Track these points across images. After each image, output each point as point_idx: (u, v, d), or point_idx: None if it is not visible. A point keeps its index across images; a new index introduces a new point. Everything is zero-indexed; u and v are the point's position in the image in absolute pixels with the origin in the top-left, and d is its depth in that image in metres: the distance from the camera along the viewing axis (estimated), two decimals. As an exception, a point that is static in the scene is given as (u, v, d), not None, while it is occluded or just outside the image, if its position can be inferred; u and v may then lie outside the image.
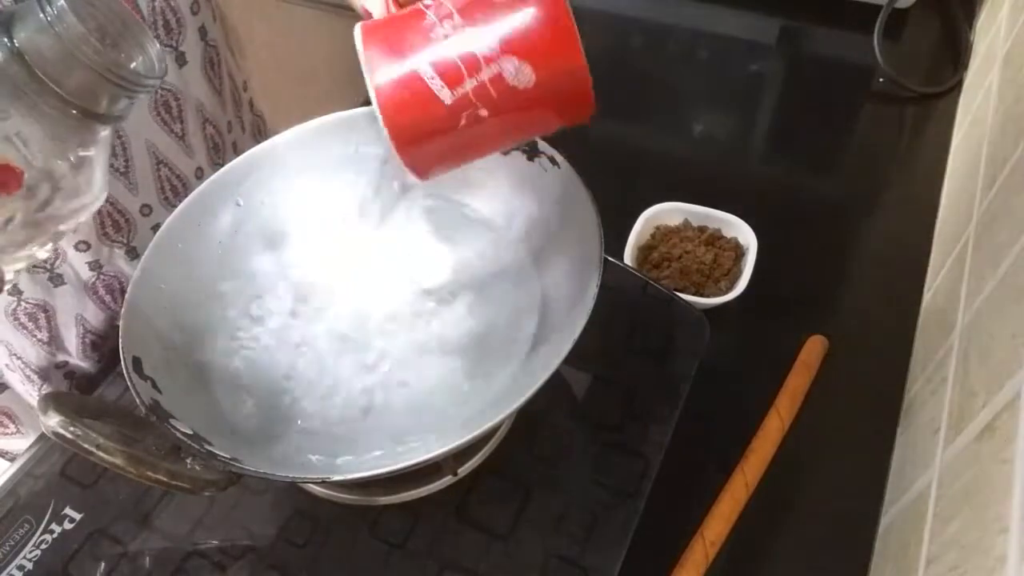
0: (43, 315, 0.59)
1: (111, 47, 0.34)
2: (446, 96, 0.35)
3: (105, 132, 0.36)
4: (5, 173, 0.29)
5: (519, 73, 0.35)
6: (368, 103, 0.37)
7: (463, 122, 0.36)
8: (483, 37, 0.35)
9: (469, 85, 0.35)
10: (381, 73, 0.35)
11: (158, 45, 0.37)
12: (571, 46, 0.36)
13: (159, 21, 0.54)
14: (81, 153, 0.34)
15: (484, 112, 0.36)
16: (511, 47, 0.35)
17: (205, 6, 0.60)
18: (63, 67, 0.32)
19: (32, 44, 0.31)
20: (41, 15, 0.31)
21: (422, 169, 0.38)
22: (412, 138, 0.36)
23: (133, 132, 0.56)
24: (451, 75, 0.35)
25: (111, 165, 0.55)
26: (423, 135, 0.36)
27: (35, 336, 0.60)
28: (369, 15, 0.40)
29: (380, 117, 0.35)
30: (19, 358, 0.60)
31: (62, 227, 0.35)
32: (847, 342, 0.61)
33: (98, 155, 0.36)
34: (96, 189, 0.36)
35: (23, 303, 0.58)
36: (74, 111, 0.33)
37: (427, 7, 0.36)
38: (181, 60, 0.57)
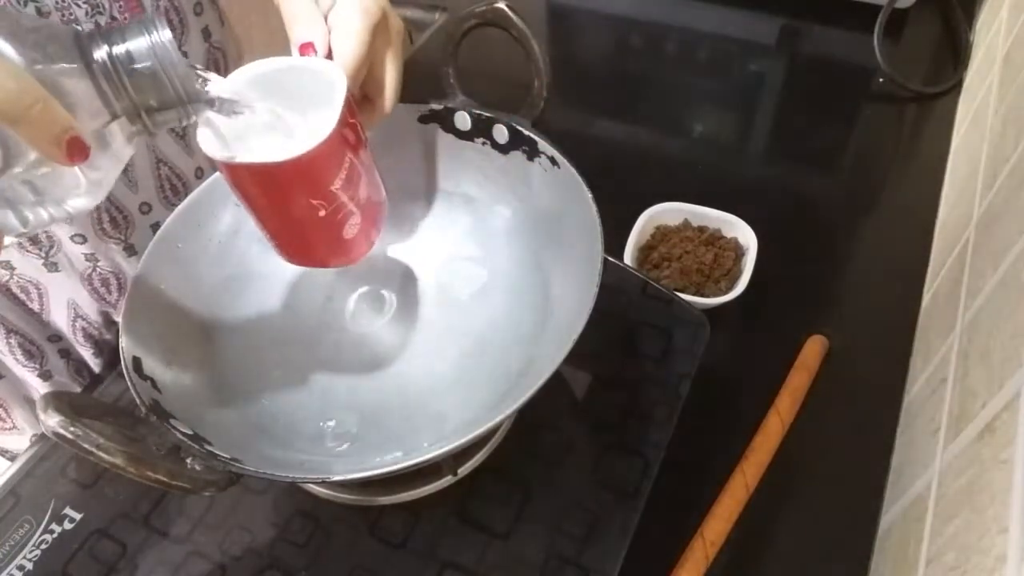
0: (35, 290, 0.59)
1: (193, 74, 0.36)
2: (337, 185, 0.41)
3: (128, 147, 0.37)
4: (76, 145, 0.30)
5: (353, 227, 0.44)
6: None
7: (314, 203, 0.41)
8: (367, 191, 0.44)
9: (343, 197, 0.42)
10: (339, 130, 0.39)
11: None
12: (366, 251, 0.47)
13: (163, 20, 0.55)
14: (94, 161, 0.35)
15: (322, 213, 0.41)
16: (366, 217, 0.44)
17: (210, 8, 0.60)
18: (152, 86, 0.33)
19: (128, 58, 0.32)
20: (145, 36, 0.32)
21: (251, 184, 0.41)
22: (296, 177, 0.40)
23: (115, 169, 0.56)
24: (348, 181, 0.41)
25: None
26: (301, 183, 0.40)
27: (27, 307, 0.60)
28: (307, 51, 0.41)
29: (308, 148, 0.38)
30: (16, 333, 0.60)
31: (43, 219, 0.36)
32: (847, 342, 0.61)
33: (108, 170, 0.36)
34: (85, 200, 0.36)
35: (16, 277, 0.58)
36: (142, 112, 0.34)
37: (362, 129, 0.43)
38: None
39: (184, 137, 0.60)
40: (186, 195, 0.51)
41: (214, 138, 0.39)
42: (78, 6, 0.49)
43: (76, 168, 0.33)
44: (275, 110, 0.40)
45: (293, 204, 0.41)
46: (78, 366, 0.65)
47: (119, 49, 0.32)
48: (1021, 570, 0.30)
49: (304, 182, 0.40)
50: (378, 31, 0.42)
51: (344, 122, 0.39)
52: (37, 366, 0.62)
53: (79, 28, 0.35)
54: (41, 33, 0.31)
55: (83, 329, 0.64)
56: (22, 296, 0.59)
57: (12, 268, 0.58)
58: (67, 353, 0.64)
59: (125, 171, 0.57)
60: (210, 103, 0.37)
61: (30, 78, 0.29)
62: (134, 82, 0.33)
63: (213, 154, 0.39)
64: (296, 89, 0.41)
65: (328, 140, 0.39)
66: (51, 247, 0.57)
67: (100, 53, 0.32)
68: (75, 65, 0.32)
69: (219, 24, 0.62)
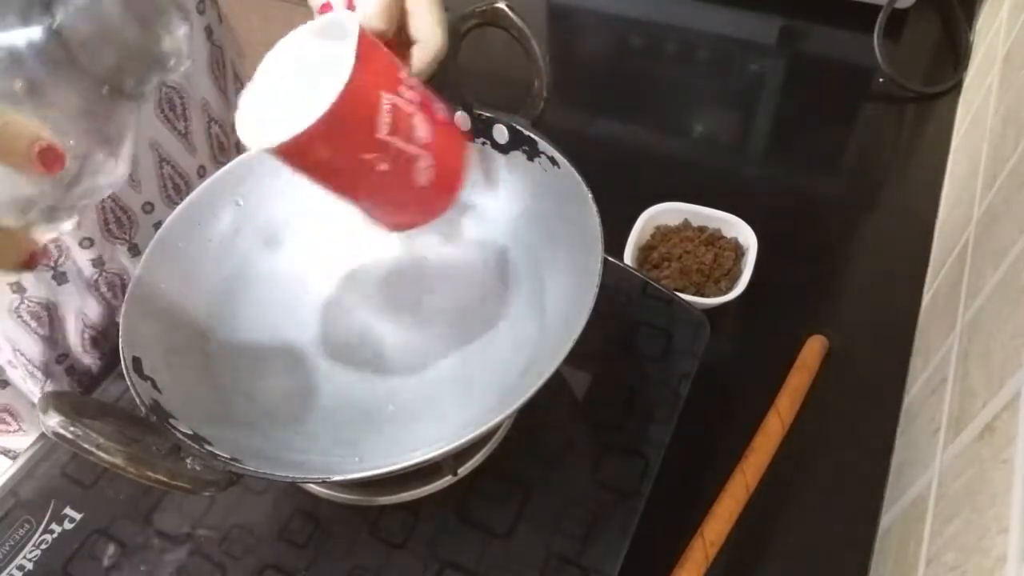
0: (46, 313, 0.59)
1: (142, 27, 0.35)
2: (383, 131, 0.38)
3: (132, 110, 0.36)
4: (50, 154, 0.30)
5: (425, 171, 0.41)
6: None
7: (366, 156, 0.38)
8: (427, 128, 0.40)
9: (398, 143, 0.39)
10: (361, 71, 0.36)
11: (186, 26, 0.37)
12: (451, 200, 0.44)
13: None
14: (110, 130, 0.35)
15: (383, 167, 0.39)
16: (436, 154, 0.41)
17: (211, 7, 0.60)
18: (99, 46, 0.32)
19: (71, 24, 0.31)
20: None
21: (291, 151, 0.39)
22: (334, 130, 0.37)
23: (136, 129, 0.56)
24: (395, 125, 0.38)
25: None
26: (343, 135, 0.38)
27: (37, 333, 0.60)
28: (327, 9, 0.40)
29: (335, 97, 0.36)
30: (22, 354, 0.60)
31: (88, 202, 0.36)
32: (847, 342, 0.61)
33: (125, 131, 0.36)
34: (122, 167, 0.36)
35: (26, 301, 0.58)
36: (105, 89, 0.33)
37: (401, 68, 0.40)
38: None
39: (187, 136, 0.60)
40: (188, 194, 0.51)
41: (252, 126, 0.38)
42: None
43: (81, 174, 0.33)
44: (308, 79, 0.38)
45: (347, 166, 0.39)
46: (80, 377, 0.65)
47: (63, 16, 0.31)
48: (1021, 570, 0.30)
49: (341, 140, 0.38)
50: None
51: (367, 66, 0.37)
52: (40, 385, 0.62)
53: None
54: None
55: (91, 338, 0.64)
56: (33, 323, 0.59)
57: (23, 290, 0.57)
58: (73, 370, 0.65)
59: None
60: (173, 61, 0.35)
61: None
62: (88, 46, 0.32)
63: (251, 145, 0.38)
64: (324, 50, 0.39)
65: (346, 91, 0.36)
66: (59, 255, 0.57)
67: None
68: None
69: (219, 22, 0.62)
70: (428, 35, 0.42)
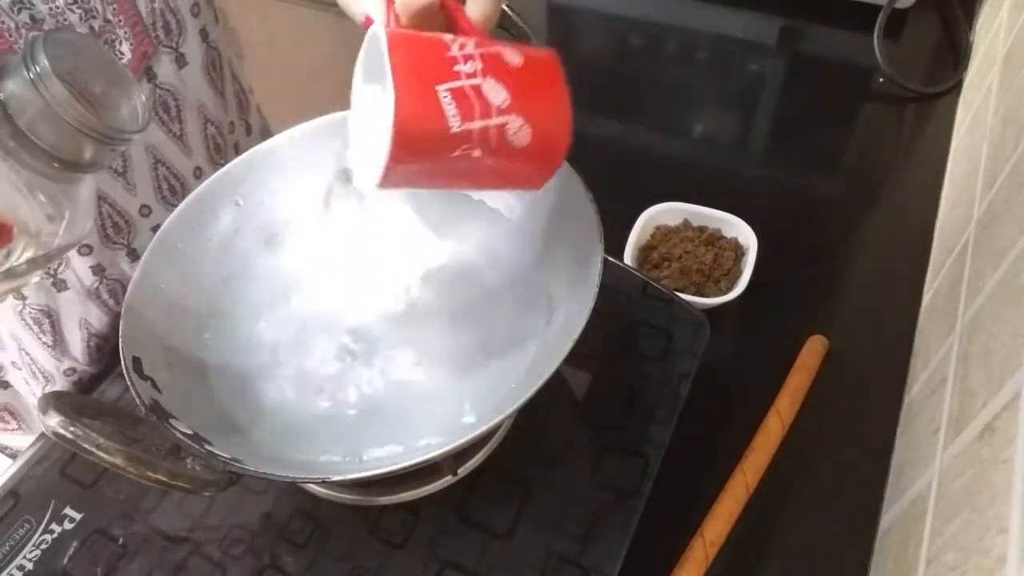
0: (47, 320, 0.59)
1: (96, 101, 0.35)
2: (455, 124, 0.36)
3: (88, 178, 0.36)
4: None
5: (519, 132, 0.38)
6: None
7: (456, 153, 0.37)
8: (500, 89, 0.37)
9: (477, 124, 0.37)
10: (405, 81, 0.35)
11: (143, 96, 0.37)
12: (567, 128, 0.40)
13: (159, 22, 0.54)
14: (63, 200, 0.35)
15: (476, 152, 0.37)
16: (522, 108, 0.38)
17: (206, 9, 0.60)
18: (47, 124, 0.32)
19: (16, 99, 0.31)
20: (26, 73, 0.31)
21: (392, 180, 0.38)
22: (411, 149, 0.36)
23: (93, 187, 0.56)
24: (465, 109, 0.36)
25: (109, 166, 0.55)
26: (421, 149, 0.37)
27: (40, 339, 0.60)
28: (370, 22, 0.40)
29: (392, 122, 0.35)
30: (28, 354, 0.60)
31: (47, 264, 0.36)
32: (847, 342, 0.61)
33: (80, 197, 0.36)
34: (77, 231, 0.36)
35: (28, 307, 0.58)
36: (56, 164, 0.33)
37: (450, 41, 0.38)
38: (181, 61, 0.57)
39: (182, 138, 0.60)
40: (185, 195, 0.51)
41: (360, 169, 0.38)
42: (72, 11, 0.49)
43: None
44: (375, 103, 0.37)
45: (444, 168, 0.38)
46: (84, 387, 0.65)
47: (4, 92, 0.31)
48: (1021, 570, 0.30)
49: (421, 153, 0.36)
50: None
51: (410, 70, 0.35)
52: (42, 388, 0.62)
53: None
54: None
55: (97, 347, 0.64)
56: (35, 328, 0.59)
57: (24, 297, 0.57)
58: (79, 381, 0.64)
59: (123, 174, 0.57)
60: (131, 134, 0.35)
61: None
62: (33, 127, 0.32)
63: (365, 190, 0.38)
64: (375, 74, 0.38)
65: (399, 103, 0.35)
66: (59, 264, 0.57)
67: None
68: None
69: (215, 23, 0.62)
70: (478, 6, 0.40)
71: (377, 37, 0.36)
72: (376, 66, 0.37)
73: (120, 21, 0.52)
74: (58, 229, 0.35)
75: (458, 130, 0.36)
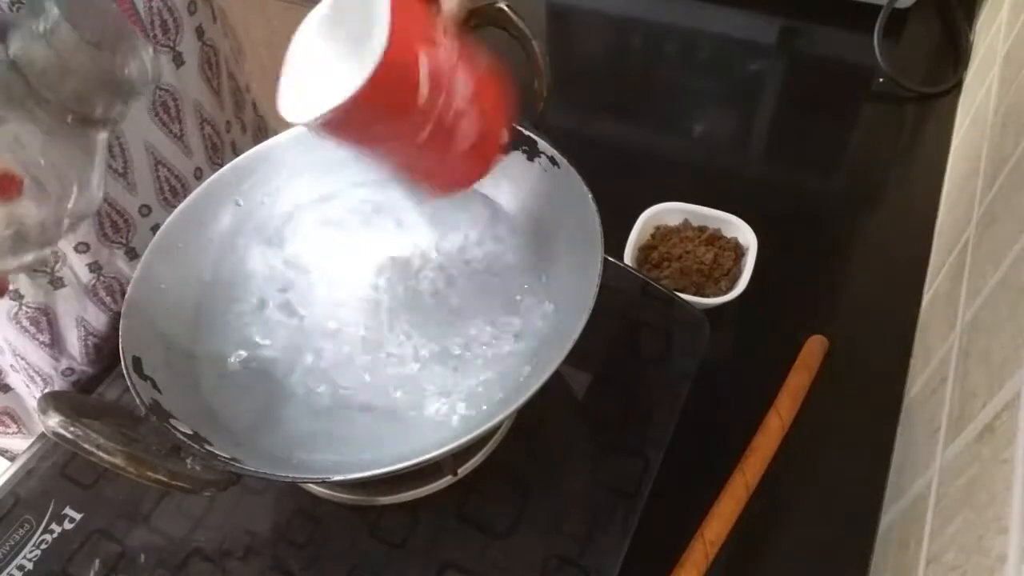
0: (44, 319, 0.59)
1: (105, 53, 0.34)
2: (423, 94, 0.36)
3: (102, 136, 0.36)
4: (4, 180, 0.30)
5: (468, 130, 0.39)
6: None
7: (411, 122, 0.37)
8: (467, 83, 0.38)
9: (439, 104, 0.37)
10: (397, 35, 0.35)
11: (151, 50, 0.37)
12: (502, 149, 0.42)
13: (156, 21, 0.54)
14: (80, 156, 0.35)
15: (424, 135, 0.38)
16: (478, 110, 0.39)
17: (203, 6, 0.59)
18: (57, 75, 0.32)
19: (26, 54, 0.31)
20: (34, 26, 0.31)
21: (332, 128, 0.38)
22: (376, 103, 0.36)
23: (132, 133, 0.56)
24: (436, 85, 0.37)
25: (110, 166, 0.55)
26: (385, 104, 0.36)
27: (37, 339, 0.60)
28: None
29: (369, 71, 0.35)
30: (23, 359, 0.60)
31: (58, 232, 0.35)
32: (847, 342, 0.61)
33: (95, 158, 0.36)
34: (93, 193, 0.36)
35: (24, 307, 0.58)
36: (70, 117, 0.33)
37: (436, 18, 0.38)
38: (179, 60, 0.57)
39: (182, 138, 0.60)
40: (185, 196, 0.51)
41: (292, 102, 0.37)
42: None
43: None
44: (344, 50, 0.37)
45: (388, 137, 0.38)
46: (84, 387, 0.65)
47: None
48: (1021, 570, 0.30)
49: (386, 105, 0.36)
50: None
51: (404, 24, 0.35)
52: (41, 391, 0.62)
53: None
54: None
55: (95, 346, 0.63)
56: (32, 329, 0.59)
57: (20, 296, 0.57)
58: (77, 382, 0.64)
59: (124, 174, 0.57)
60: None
61: None
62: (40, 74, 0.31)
63: (292, 120, 0.37)
64: (351, 19, 0.38)
65: (387, 52, 0.35)
66: (56, 261, 0.57)
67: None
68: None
69: (212, 21, 0.61)
70: None
71: (383, 6, 0.36)
72: (352, 18, 0.37)
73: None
74: (70, 193, 0.35)
75: (421, 103, 0.36)
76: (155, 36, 0.54)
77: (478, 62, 0.40)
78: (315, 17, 0.39)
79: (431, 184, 0.42)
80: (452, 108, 0.38)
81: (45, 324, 0.59)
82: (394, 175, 0.41)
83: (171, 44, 0.56)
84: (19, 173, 0.30)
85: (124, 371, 0.42)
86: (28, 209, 0.33)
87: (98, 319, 0.62)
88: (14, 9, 0.46)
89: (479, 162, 0.41)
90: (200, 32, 0.59)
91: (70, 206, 0.35)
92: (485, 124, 0.40)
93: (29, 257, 0.35)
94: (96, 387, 0.60)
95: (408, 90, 0.36)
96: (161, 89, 0.57)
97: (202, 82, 0.61)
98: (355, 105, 0.35)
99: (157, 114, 0.57)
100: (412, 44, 0.36)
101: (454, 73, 0.38)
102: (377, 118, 0.37)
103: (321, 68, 0.37)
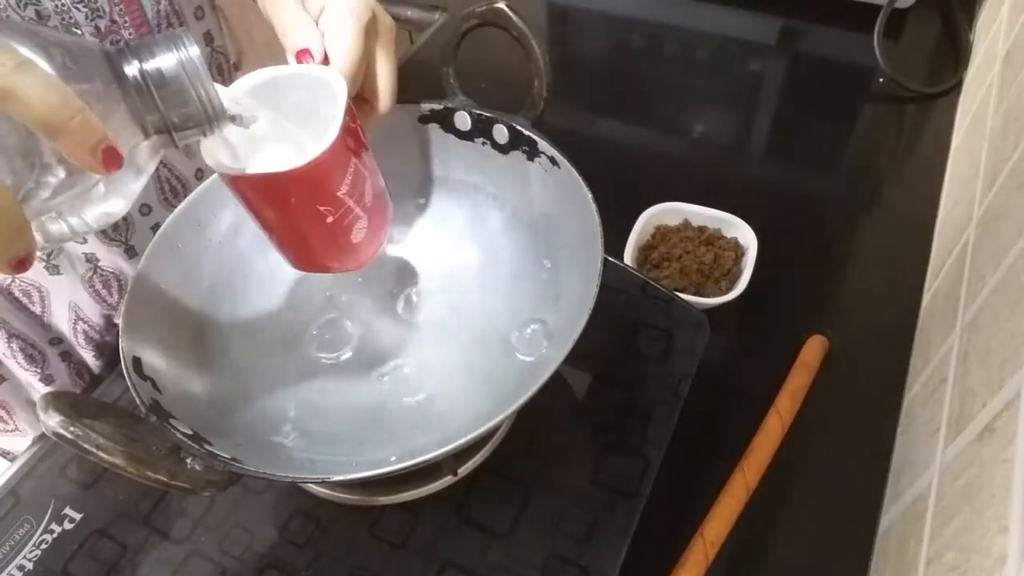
0: (36, 293, 0.59)
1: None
2: (343, 189, 0.41)
3: (156, 157, 0.37)
4: (111, 154, 0.31)
5: (361, 231, 0.44)
6: None
7: (321, 209, 0.41)
8: (372, 191, 0.44)
9: (350, 201, 0.42)
10: (343, 136, 0.39)
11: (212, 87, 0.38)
12: (376, 250, 0.47)
13: (163, 24, 0.55)
14: (141, 157, 0.35)
15: (329, 219, 0.41)
16: (373, 217, 0.44)
17: (211, 13, 0.60)
18: (178, 97, 0.34)
19: (158, 72, 0.33)
20: (174, 52, 0.33)
21: (257, 194, 0.41)
22: (304, 185, 0.39)
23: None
24: (354, 186, 0.41)
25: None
26: (309, 190, 0.40)
27: (29, 310, 0.60)
28: (305, 57, 0.41)
29: (310, 159, 0.38)
30: (17, 337, 0.60)
31: (106, 220, 0.36)
32: (847, 342, 0.61)
33: (151, 164, 0.37)
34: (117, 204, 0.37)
35: (17, 280, 0.58)
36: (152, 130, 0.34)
37: (363, 131, 0.43)
38: None
39: None
40: (186, 196, 0.51)
41: (218, 150, 0.39)
42: (78, 10, 0.49)
43: (100, 183, 0.34)
44: (279, 120, 0.40)
45: (301, 212, 0.41)
46: (79, 369, 0.65)
47: (150, 66, 0.33)
48: (1021, 570, 0.30)
49: (311, 189, 0.40)
50: (369, 31, 0.42)
51: (346, 127, 0.39)
52: (39, 370, 0.62)
53: (106, 45, 0.36)
54: (68, 48, 0.31)
55: (84, 332, 0.64)
56: (24, 299, 0.59)
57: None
58: (68, 356, 0.64)
59: None
60: (232, 119, 0.37)
61: (68, 90, 0.29)
62: (164, 98, 0.33)
63: (219, 168, 0.39)
64: (296, 97, 0.41)
65: (333, 146, 0.38)
66: (51, 250, 0.57)
67: (131, 69, 0.32)
68: (108, 82, 0.32)
69: (219, 28, 0.62)
70: (386, 91, 0.45)
71: (329, 82, 0.40)
72: (295, 98, 0.40)
73: (126, 22, 0.52)
74: (137, 186, 0.36)
75: (340, 195, 0.41)
76: None
77: (380, 181, 0.45)
78: (249, 82, 0.41)
79: (303, 257, 0.46)
80: (355, 209, 0.42)
81: (37, 298, 0.59)
82: (271, 238, 0.44)
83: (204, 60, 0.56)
84: (121, 152, 0.31)
85: (124, 371, 0.42)
86: (106, 183, 0.34)
87: (91, 308, 0.62)
88: (21, 6, 0.46)
89: (351, 258, 0.45)
90: (209, 38, 0.59)
91: (132, 189, 0.36)
92: (371, 232, 0.44)
93: (74, 226, 0.35)
94: (96, 387, 0.60)
95: (334, 182, 0.40)
96: None
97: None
98: (289, 178, 0.38)
99: None
100: (349, 146, 0.40)
101: (365, 182, 0.43)
102: (305, 190, 0.40)
103: (253, 132, 0.39)
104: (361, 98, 0.45)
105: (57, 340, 0.63)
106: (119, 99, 0.33)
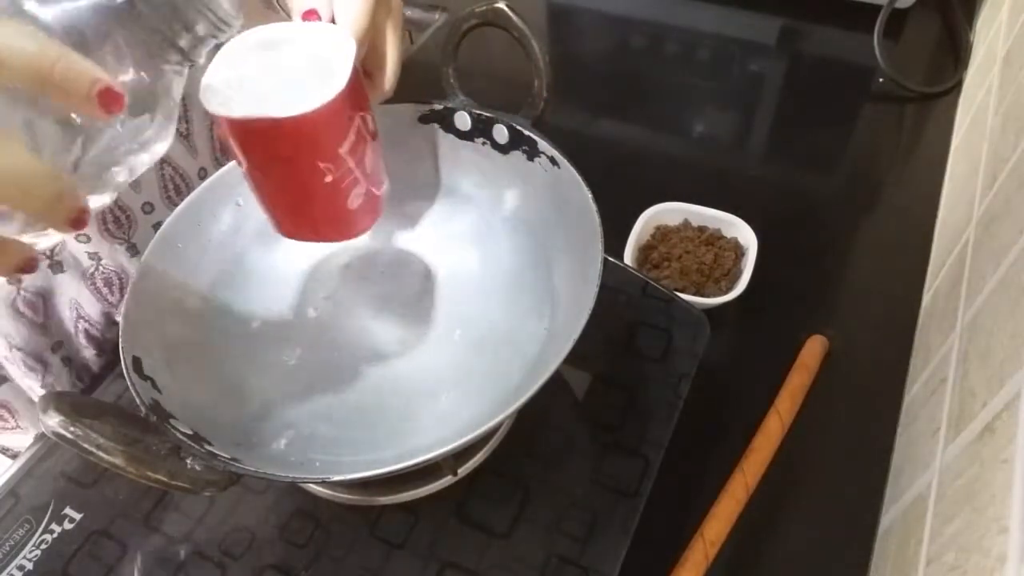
0: (40, 300, 0.59)
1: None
2: (345, 147, 0.40)
3: (179, 77, 0.36)
4: (108, 95, 0.29)
5: (359, 196, 0.43)
6: None
7: (321, 166, 0.40)
8: (373, 157, 0.43)
9: (349, 163, 0.40)
10: (350, 88, 0.38)
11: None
12: (372, 222, 0.45)
13: None
14: (159, 87, 0.34)
15: (328, 178, 0.40)
16: (370, 185, 0.43)
17: None
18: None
19: None
20: None
21: (257, 144, 0.39)
22: (305, 135, 0.38)
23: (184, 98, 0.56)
24: (355, 145, 0.40)
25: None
26: (311, 142, 0.39)
27: (32, 320, 0.60)
28: (312, 16, 0.41)
29: (321, 103, 0.37)
30: (19, 349, 0.60)
31: (132, 164, 0.35)
32: (847, 342, 0.61)
33: (174, 94, 0.36)
34: (166, 135, 0.36)
35: (23, 292, 0.58)
36: (159, 39, 0.33)
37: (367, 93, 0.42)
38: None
39: (188, 137, 0.60)
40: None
41: (217, 94, 0.38)
42: None
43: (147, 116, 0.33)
44: (283, 70, 0.39)
45: (299, 166, 0.39)
46: (80, 372, 0.65)
47: None
48: (1021, 570, 0.30)
49: (312, 141, 0.38)
50: (380, 3, 0.41)
51: (352, 83, 0.38)
52: (40, 378, 0.62)
53: None
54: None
55: (85, 331, 0.64)
56: (29, 313, 0.59)
57: (20, 281, 0.57)
58: (69, 360, 0.64)
59: None
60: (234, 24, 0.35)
61: (45, 36, 0.27)
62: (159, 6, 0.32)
63: (215, 110, 0.38)
64: (303, 52, 0.40)
65: (338, 97, 0.37)
66: (56, 246, 0.57)
67: None
68: (102, 16, 0.31)
69: None
70: (391, 68, 0.44)
71: (343, 45, 0.39)
72: (307, 52, 0.39)
73: None
74: (151, 126, 0.35)
75: (341, 154, 0.39)
76: None
77: (380, 150, 0.44)
78: (256, 35, 0.40)
79: (295, 220, 0.44)
80: (355, 171, 0.41)
81: (41, 306, 0.59)
82: (263, 198, 0.43)
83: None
84: (121, 90, 0.30)
85: (124, 371, 0.42)
86: (123, 124, 0.33)
87: (92, 306, 0.62)
88: None
89: (345, 225, 0.44)
90: None
91: (148, 134, 0.35)
92: (368, 200, 0.43)
93: (106, 198, 0.35)
94: (96, 387, 0.60)
95: (336, 136, 0.39)
96: None
97: None
98: (291, 125, 0.37)
99: None
100: (355, 100, 0.39)
101: (367, 145, 0.41)
102: (308, 140, 0.39)
103: (257, 81, 0.38)
104: (366, 73, 0.44)
105: (59, 345, 0.63)
106: (117, 28, 0.31)
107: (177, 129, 0.59)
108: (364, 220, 0.44)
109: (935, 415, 0.48)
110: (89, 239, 0.58)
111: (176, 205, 0.51)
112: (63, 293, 0.60)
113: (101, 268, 0.60)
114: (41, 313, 0.60)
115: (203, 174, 0.63)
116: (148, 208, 0.60)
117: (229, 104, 0.38)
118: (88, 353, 0.65)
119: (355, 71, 0.39)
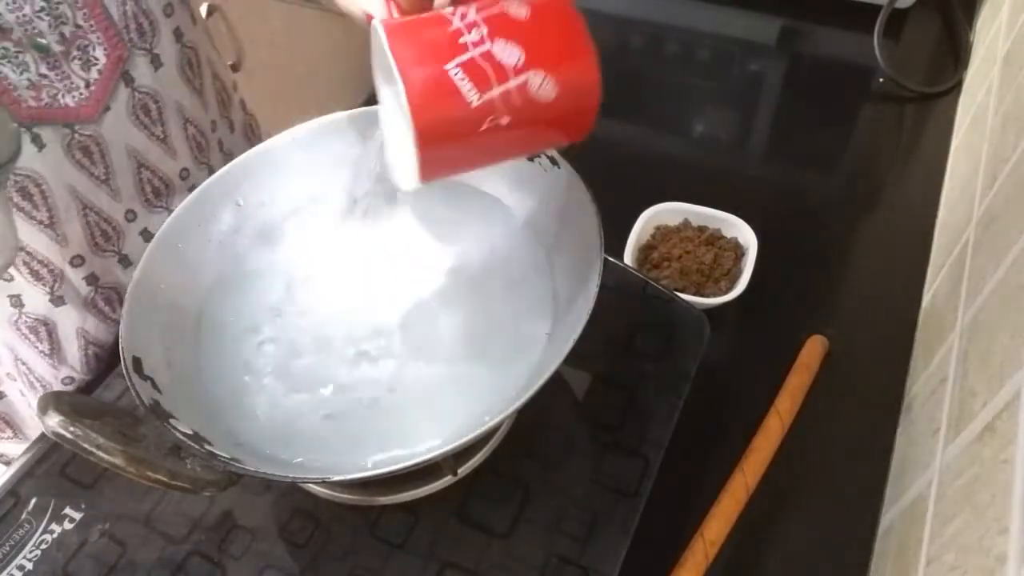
0: (44, 328, 0.59)
1: None
2: (474, 98, 0.35)
3: None
4: None
5: (543, 86, 0.37)
6: (370, 103, 0.38)
7: (484, 126, 0.36)
8: (512, 48, 0.36)
9: (496, 91, 0.36)
10: (411, 69, 0.35)
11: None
12: (592, 65, 0.39)
13: (132, 25, 0.54)
14: None
15: (505, 120, 0.36)
16: (539, 61, 0.36)
17: (180, 9, 0.59)
18: None
19: None
20: None
21: (430, 171, 0.38)
22: (436, 135, 0.36)
23: (112, 138, 0.56)
24: (480, 79, 0.35)
25: (91, 173, 0.55)
26: (447, 134, 0.36)
27: (37, 347, 0.60)
28: (371, 18, 0.40)
29: (409, 112, 0.34)
30: (24, 364, 0.60)
31: None
32: (847, 342, 0.61)
33: None
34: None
35: (24, 315, 0.58)
36: None
37: (450, 15, 0.37)
38: (156, 62, 0.57)
39: (165, 140, 0.60)
40: (171, 198, 0.51)
41: (401, 169, 0.39)
42: (40, 19, 0.48)
43: None
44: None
45: (479, 142, 0.37)
46: (82, 390, 0.65)
47: None
48: (1021, 570, 0.30)
49: (449, 135, 0.36)
50: None
51: (413, 60, 0.35)
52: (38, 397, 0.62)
53: None
54: None
55: (95, 354, 0.63)
56: (32, 337, 0.59)
57: (21, 304, 0.57)
58: (76, 388, 0.64)
59: (106, 180, 0.57)
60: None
61: None
62: None
63: (407, 188, 0.38)
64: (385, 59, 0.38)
65: (411, 92, 0.34)
66: (54, 281, 0.57)
67: None
68: None
69: (191, 23, 0.61)
70: None
71: (376, 31, 0.36)
72: (385, 63, 0.36)
73: (92, 26, 0.51)
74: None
75: (478, 103, 0.35)
76: (131, 40, 0.54)
77: (516, 16, 0.37)
78: (375, 68, 0.40)
79: (554, 143, 0.41)
80: (510, 82, 0.36)
81: (45, 334, 0.59)
82: (517, 157, 0.41)
83: (147, 47, 0.56)
84: None
85: (124, 371, 0.42)
86: None
87: (98, 329, 0.62)
88: (54, 30, 0.45)
89: (580, 98, 0.39)
90: (179, 34, 0.59)
91: None
92: (557, 67, 0.37)
93: None
94: (96, 387, 0.60)
95: (457, 108, 0.35)
96: (140, 92, 0.56)
97: (183, 83, 0.60)
98: (424, 156, 0.35)
99: (138, 117, 0.57)
100: (432, 64, 0.35)
101: (491, 52, 0.36)
102: (451, 145, 0.37)
103: (394, 116, 0.38)
104: None
105: (69, 379, 0.63)
106: None
107: (153, 132, 0.59)
108: (580, 87, 0.39)
109: (935, 415, 0.48)
110: (83, 259, 0.58)
111: (159, 208, 0.51)
112: (67, 324, 0.60)
113: (100, 289, 0.60)
114: (46, 341, 0.60)
115: (186, 175, 0.63)
116: (131, 216, 0.60)
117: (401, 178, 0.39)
118: (95, 375, 0.64)
119: (401, 58, 0.35)
